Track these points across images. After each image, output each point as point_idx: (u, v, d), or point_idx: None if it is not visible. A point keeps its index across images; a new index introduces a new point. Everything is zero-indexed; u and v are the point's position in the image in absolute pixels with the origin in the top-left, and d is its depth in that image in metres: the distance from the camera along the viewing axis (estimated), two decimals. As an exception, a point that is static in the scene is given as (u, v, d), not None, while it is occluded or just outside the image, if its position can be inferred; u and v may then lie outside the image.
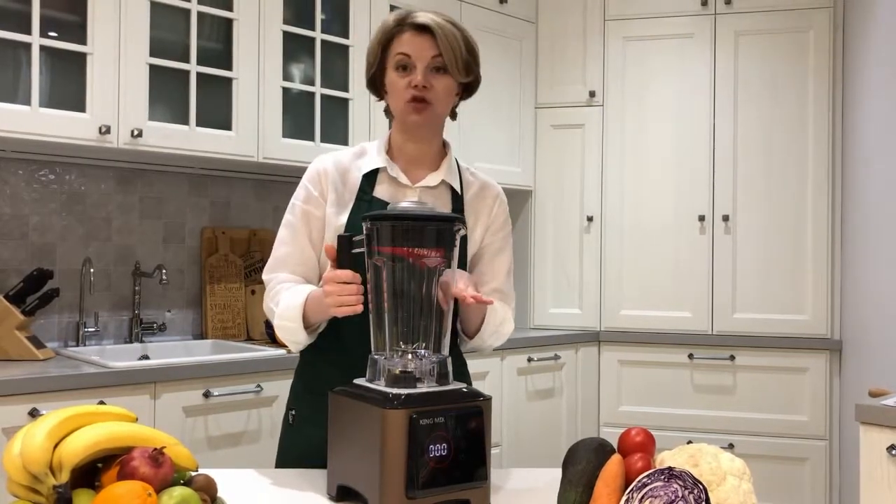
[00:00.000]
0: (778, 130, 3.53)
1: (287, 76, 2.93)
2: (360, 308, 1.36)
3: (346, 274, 1.36)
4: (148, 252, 2.95)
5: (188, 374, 2.37)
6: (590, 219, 3.73)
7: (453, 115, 1.67)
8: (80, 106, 2.44)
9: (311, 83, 2.98)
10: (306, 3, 2.97)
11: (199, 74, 2.69)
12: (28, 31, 2.35)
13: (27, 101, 2.35)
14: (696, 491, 1.05)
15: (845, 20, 3.46)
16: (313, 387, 1.60)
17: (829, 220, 3.47)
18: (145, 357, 2.71)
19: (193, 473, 1.18)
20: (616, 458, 1.17)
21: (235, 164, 2.90)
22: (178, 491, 1.06)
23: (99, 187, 2.85)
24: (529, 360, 3.42)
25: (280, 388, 2.53)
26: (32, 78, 2.35)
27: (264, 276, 1.65)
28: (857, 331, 3.26)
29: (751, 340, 3.51)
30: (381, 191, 1.61)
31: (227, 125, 2.76)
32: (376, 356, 1.32)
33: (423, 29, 1.53)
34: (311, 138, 2.97)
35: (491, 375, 3.25)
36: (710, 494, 1.09)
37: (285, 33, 2.89)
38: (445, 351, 1.35)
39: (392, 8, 3.13)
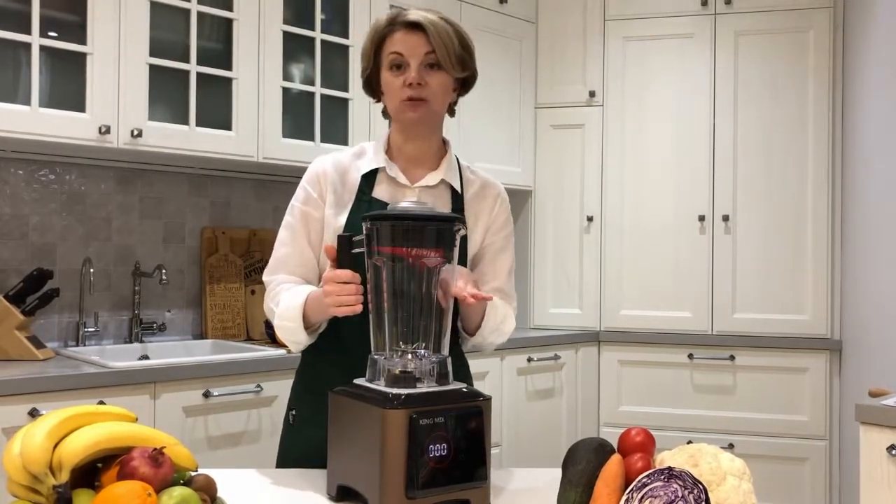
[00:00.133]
0: (778, 130, 3.53)
1: (287, 76, 2.93)
2: (359, 308, 1.36)
3: (346, 274, 1.36)
4: (148, 252, 2.95)
5: (188, 374, 2.37)
6: (590, 219, 3.73)
7: (451, 112, 1.66)
8: (79, 106, 2.44)
9: (311, 83, 2.98)
10: (306, 3, 2.97)
11: (199, 74, 2.69)
12: (28, 31, 2.35)
13: (27, 101, 2.35)
14: (696, 491, 1.05)
15: (845, 20, 3.46)
16: (314, 387, 1.60)
17: (829, 220, 3.47)
18: (145, 357, 2.71)
19: (193, 473, 1.18)
20: (616, 458, 1.17)
21: (235, 164, 2.90)
22: (178, 491, 1.06)
23: (99, 187, 2.85)
24: (529, 360, 3.42)
25: (280, 388, 2.53)
26: (32, 78, 2.35)
27: (264, 278, 1.65)
28: (857, 331, 3.26)
29: (751, 340, 3.51)
30: (380, 191, 1.61)
31: (227, 125, 2.76)
32: (376, 356, 1.32)
33: (415, 26, 1.53)
34: (311, 138, 2.97)
35: (491, 375, 3.25)
36: (710, 494, 1.09)
37: (285, 33, 2.89)
38: (445, 351, 1.35)
39: (392, 8, 3.13)
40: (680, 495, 1.05)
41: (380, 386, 1.27)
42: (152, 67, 2.58)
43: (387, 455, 1.18)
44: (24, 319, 2.42)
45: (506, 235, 1.70)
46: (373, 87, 1.64)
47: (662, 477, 1.07)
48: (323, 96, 3.00)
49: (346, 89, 3.05)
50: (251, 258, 3.17)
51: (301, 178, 1.67)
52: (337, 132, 3.05)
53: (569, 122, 3.79)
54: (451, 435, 1.21)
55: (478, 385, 1.62)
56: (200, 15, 2.70)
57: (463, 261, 1.59)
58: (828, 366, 3.43)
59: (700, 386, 3.56)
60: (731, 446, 3.43)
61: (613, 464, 1.15)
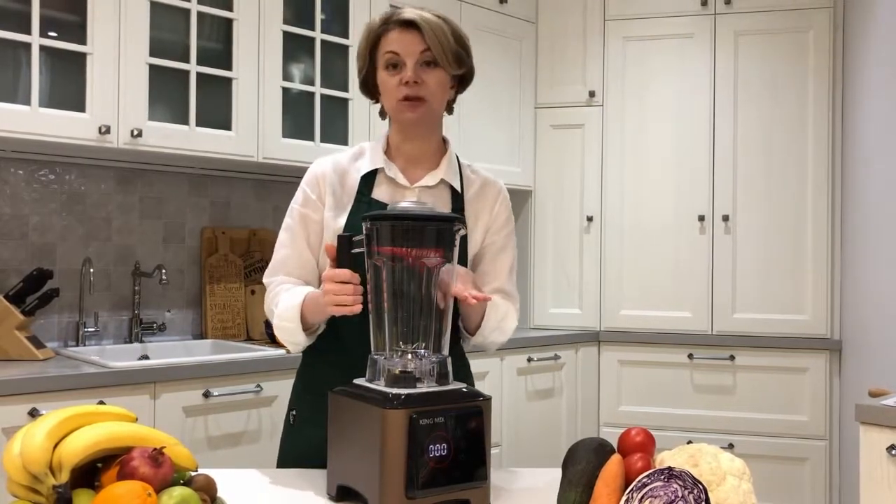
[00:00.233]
0: (778, 130, 3.53)
1: (287, 76, 2.93)
2: (357, 308, 1.36)
3: (345, 273, 1.36)
4: (148, 252, 2.95)
5: (188, 374, 2.37)
6: (590, 219, 3.73)
7: (450, 110, 1.66)
8: (79, 106, 2.44)
9: (311, 83, 2.98)
10: (306, 3, 2.97)
11: (198, 74, 2.69)
12: (28, 31, 2.35)
13: (27, 101, 2.35)
14: (695, 491, 1.05)
15: (845, 20, 3.46)
16: (314, 387, 1.60)
17: (829, 220, 3.47)
18: (145, 357, 2.71)
19: (193, 473, 1.18)
20: (616, 458, 1.17)
21: (235, 164, 2.90)
22: (178, 491, 1.06)
23: (99, 187, 2.85)
24: (529, 360, 3.42)
25: (280, 388, 2.53)
26: (32, 78, 2.35)
27: (265, 279, 1.66)
28: (857, 331, 3.26)
29: (751, 340, 3.51)
30: (379, 192, 1.60)
31: (227, 125, 2.76)
32: (376, 356, 1.32)
33: (410, 25, 1.52)
34: (311, 138, 2.97)
35: (491, 375, 3.25)
36: (709, 494, 1.09)
37: (285, 33, 2.89)
38: (445, 351, 1.35)
39: (391, 7, 3.13)
40: (680, 495, 1.05)
41: (380, 386, 1.27)
42: (152, 67, 2.58)
43: (387, 455, 1.18)
44: (24, 319, 2.42)
45: (507, 234, 1.69)
46: (370, 87, 1.63)
47: (662, 477, 1.07)
48: (323, 96, 3.00)
49: (346, 89, 3.05)
50: (251, 258, 3.17)
51: (301, 177, 1.67)
52: (337, 132, 3.05)
53: (569, 122, 3.79)
54: (451, 435, 1.21)
55: (478, 385, 1.62)
56: (200, 15, 2.70)
57: (463, 260, 1.59)
58: (828, 366, 3.43)
59: (700, 386, 3.56)
60: (731, 446, 3.43)
61: (613, 464, 1.15)
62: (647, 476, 1.09)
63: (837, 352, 3.43)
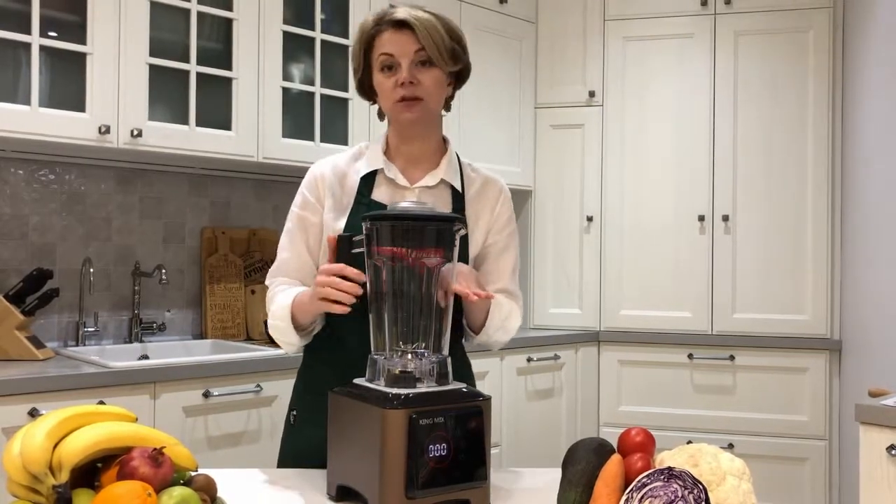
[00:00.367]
0: (778, 130, 3.53)
1: (287, 76, 2.93)
2: (342, 309, 1.36)
3: (337, 266, 1.35)
4: (148, 252, 2.95)
5: (188, 373, 2.37)
6: (590, 219, 3.73)
7: (448, 107, 1.65)
8: (79, 106, 2.44)
9: (311, 83, 2.98)
10: (306, 3, 2.97)
11: (198, 74, 2.69)
12: (28, 31, 2.35)
13: (27, 101, 2.35)
14: (695, 491, 1.05)
15: (845, 20, 3.46)
16: (314, 387, 1.60)
17: (829, 220, 3.47)
18: (145, 357, 2.71)
19: (193, 473, 1.18)
20: (616, 458, 1.17)
21: (235, 164, 2.90)
22: (178, 491, 1.06)
23: (99, 187, 2.85)
24: (529, 360, 3.42)
25: (280, 388, 2.53)
26: (32, 78, 2.35)
27: (266, 282, 1.66)
28: (857, 331, 3.26)
29: (751, 340, 3.51)
30: (379, 193, 1.60)
31: (226, 125, 2.76)
32: (376, 356, 1.32)
33: (402, 25, 1.51)
34: (311, 138, 2.97)
35: (491, 375, 3.25)
36: (709, 494, 1.09)
37: (285, 33, 2.89)
38: (445, 351, 1.35)
39: (391, 7, 3.13)
40: (680, 495, 1.05)
41: (380, 386, 1.27)
42: (152, 67, 2.58)
43: (387, 455, 1.18)
44: (24, 319, 2.42)
45: (509, 234, 1.68)
46: (366, 89, 1.63)
47: (662, 477, 1.07)
48: (323, 96, 3.00)
49: (345, 89, 3.05)
50: (251, 258, 3.17)
51: (301, 177, 1.67)
52: (337, 132, 3.05)
53: (568, 122, 3.79)
54: (451, 435, 1.21)
55: (478, 385, 1.62)
56: (200, 15, 2.70)
57: (464, 261, 1.59)
58: (828, 366, 3.43)
59: (700, 386, 3.56)
60: (731, 446, 3.43)
61: (613, 464, 1.15)
62: (647, 476, 1.09)
63: (837, 352, 3.43)
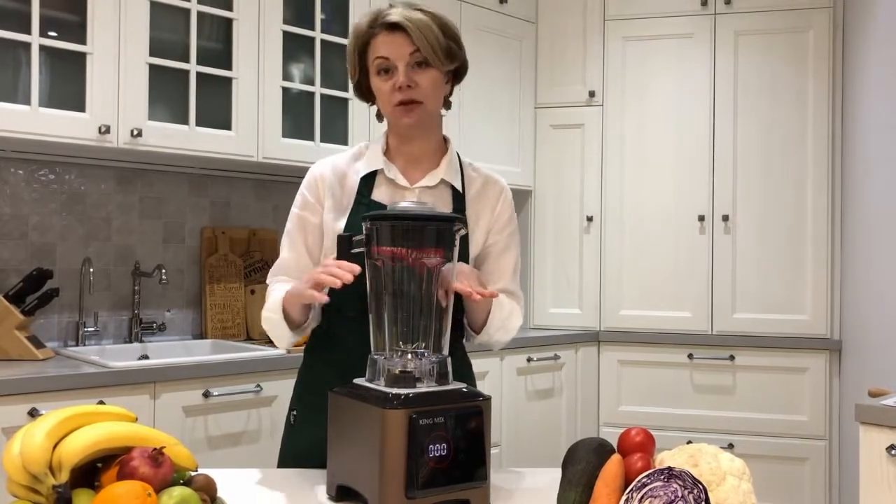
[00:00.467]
0: (778, 130, 3.53)
1: (287, 76, 2.93)
2: (320, 298, 1.36)
3: (335, 262, 1.35)
4: (148, 252, 2.95)
5: (188, 373, 2.37)
6: (590, 219, 3.73)
7: (447, 105, 1.64)
8: (79, 106, 2.44)
9: (311, 83, 2.98)
10: (306, 3, 2.97)
11: (198, 74, 2.69)
12: (28, 31, 2.35)
13: (27, 101, 2.35)
14: (695, 491, 1.05)
15: (845, 20, 3.46)
16: (314, 387, 1.60)
17: (829, 220, 3.47)
18: (145, 357, 2.71)
19: (193, 473, 1.18)
20: (616, 458, 1.17)
21: (235, 163, 2.90)
22: (178, 491, 1.06)
23: (99, 187, 2.84)
24: (529, 359, 3.42)
25: (280, 388, 2.53)
26: (32, 78, 2.35)
27: (267, 281, 1.66)
28: (857, 331, 3.26)
29: (751, 340, 3.51)
30: (379, 193, 1.60)
31: (226, 125, 2.76)
32: (376, 356, 1.32)
33: (396, 27, 1.50)
34: (311, 138, 2.97)
35: (490, 375, 3.25)
36: (709, 494, 1.09)
37: (285, 33, 2.89)
38: (445, 350, 1.35)
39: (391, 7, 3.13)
40: (680, 495, 1.05)
41: (380, 386, 1.27)
42: (152, 67, 2.58)
43: (386, 455, 1.18)
44: (24, 319, 2.42)
45: (510, 234, 1.68)
46: (364, 92, 1.62)
47: (662, 477, 1.07)
48: (323, 96, 3.01)
49: (345, 89, 3.05)
50: (251, 258, 3.17)
51: (301, 177, 1.67)
52: (337, 132, 3.05)
53: (568, 122, 3.79)
54: (451, 435, 1.21)
55: (478, 385, 1.62)
56: (200, 15, 2.70)
57: (465, 260, 1.59)
58: (828, 366, 3.43)
59: (700, 386, 3.56)
60: (730, 446, 3.43)
61: (613, 464, 1.15)
62: (647, 476, 1.09)
63: (837, 352, 3.43)
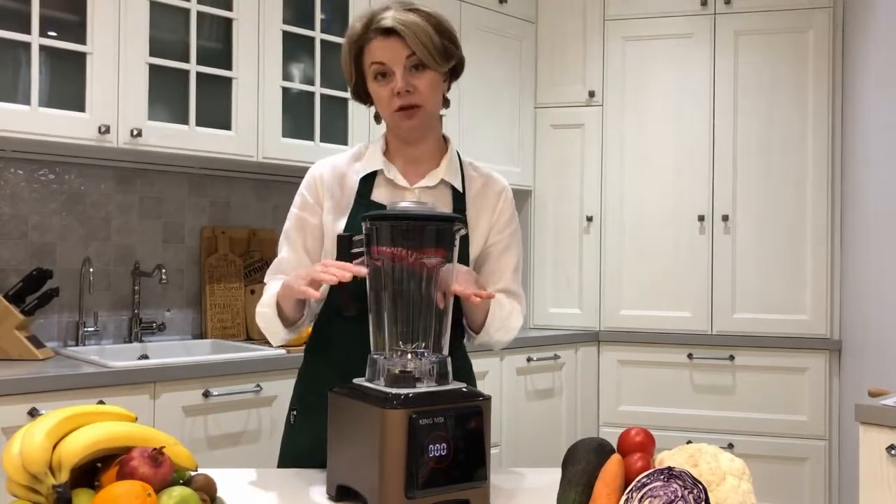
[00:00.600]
0: (778, 130, 3.53)
1: (287, 76, 2.93)
2: (313, 294, 1.34)
3: (339, 263, 1.35)
4: (148, 252, 2.95)
5: (188, 373, 2.37)
6: (589, 219, 3.73)
7: (446, 103, 1.64)
8: (79, 106, 2.44)
9: (311, 83, 2.98)
10: (306, 3, 2.97)
11: (198, 74, 2.69)
12: (28, 31, 2.35)
13: (27, 101, 2.35)
14: (695, 491, 1.05)
15: (845, 20, 3.46)
16: (314, 388, 1.60)
17: (829, 220, 3.47)
18: (145, 357, 2.71)
19: (193, 473, 1.18)
20: (616, 458, 1.17)
21: (235, 163, 2.90)
22: (178, 491, 1.06)
23: (99, 187, 2.84)
24: (529, 359, 3.42)
25: (279, 388, 2.53)
26: (32, 78, 2.35)
27: (265, 280, 1.66)
28: (856, 331, 3.26)
29: (750, 340, 3.51)
30: (378, 194, 1.59)
31: (226, 125, 2.76)
32: (376, 356, 1.32)
33: (391, 32, 1.49)
34: (311, 138, 2.97)
35: (490, 375, 3.25)
36: (709, 494, 1.09)
37: (285, 33, 2.89)
38: (445, 350, 1.35)
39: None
40: (680, 495, 1.04)
41: (379, 386, 1.27)
42: (152, 67, 2.58)
43: (386, 455, 1.18)
44: (24, 319, 2.42)
45: (510, 233, 1.67)
46: (361, 95, 1.61)
47: (662, 477, 1.07)
48: (323, 96, 3.00)
49: (345, 89, 3.02)
50: (251, 258, 3.17)
51: (301, 177, 1.67)
52: (336, 132, 3.05)
53: (568, 122, 3.79)
54: (451, 435, 1.21)
55: (478, 385, 1.62)
56: (200, 15, 2.70)
57: (465, 260, 1.59)
58: (827, 366, 3.43)
59: (700, 386, 3.56)
60: (730, 446, 3.43)
61: (613, 464, 1.15)
62: (647, 476, 1.09)
63: (837, 352, 3.43)
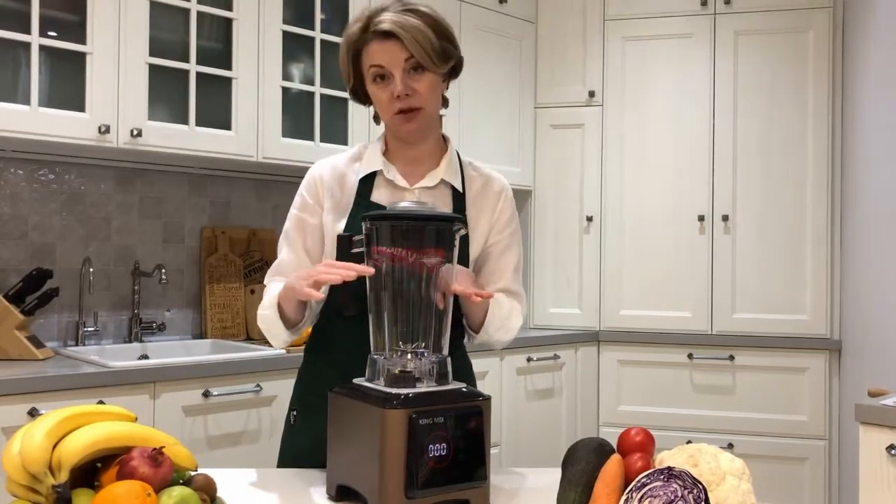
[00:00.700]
0: (778, 130, 3.53)
1: (287, 76, 2.93)
2: (316, 294, 1.34)
3: (343, 263, 1.35)
4: (147, 252, 2.95)
5: (187, 373, 2.37)
6: (589, 219, 3.73)
7: (445, 103, 1.63)
8: (79, 106, 2.44)
9: (311, 83, 2.98)
10: (306, 3, 2.97)
11: (198, 74, 2.69)
12: (28, 31, 2.35)
13: (27, 101, 2.35)
14: (695, 491, 1.05)
15: (845, 20, 3.46)
16: (314, 388, 1.60)
17: (829, 220, 3.47)
18: (145, 357, 2.71)
19: (193, 473, 1.18)
20: (615, 457, 1.17)
21: (235, 163, 2.90)
22: (178, 491, 1.06)
23: (99, 187, 2.84)
24: (529, 359, 3.42)
25: (279, 388, 2.53)
26: (32, 78, 2.35)
27: (265, 281, 1.66)
28: (856, 331, 3.26)
29: (750, 340, 3.51)
30: (378, 195, 1.59)
31: (226, 125, 2.76)
32: (376, 356, 1.32)
33: (389, 35, 1.48)
34: (311, 138, 2.97)
35: (490, 375, 3.25)
36: (709, 494, 1.09)
37: (285, 33, 2.89)
38: (445, 350, 1.35)
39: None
40: (679, 495, 1.05)
41: (379, 386, 1.27)
42: (152, 67, 2.58)
43: (386, 455, 1.18)
44: (24, 319, 2.42)
45: (511, 233, 1.67)
46: (360, 96, 1.61)
47: (662, 477, 1.07)
48: (322, 96, 3.00)
49: (345, 89, 3.03)
50: (251, 258, 3.17)
51: (301, 177, 1.67)
52: (336, 132, 3.05)
53: (568, 121, 3.79)
54: (451, 435, 1.21)
55: (478, 385, 1.62)
56: (200, 15, 2.70)
57: (465, 260, 1.59)
58: (827, 366, 3.43)
59: (700, 386, 3.56)
60: (730, 446, 3.43)
61: (613, 464, 1.15)
62: (647, 476, 1.09)
63: (837, 352, 3.43)
